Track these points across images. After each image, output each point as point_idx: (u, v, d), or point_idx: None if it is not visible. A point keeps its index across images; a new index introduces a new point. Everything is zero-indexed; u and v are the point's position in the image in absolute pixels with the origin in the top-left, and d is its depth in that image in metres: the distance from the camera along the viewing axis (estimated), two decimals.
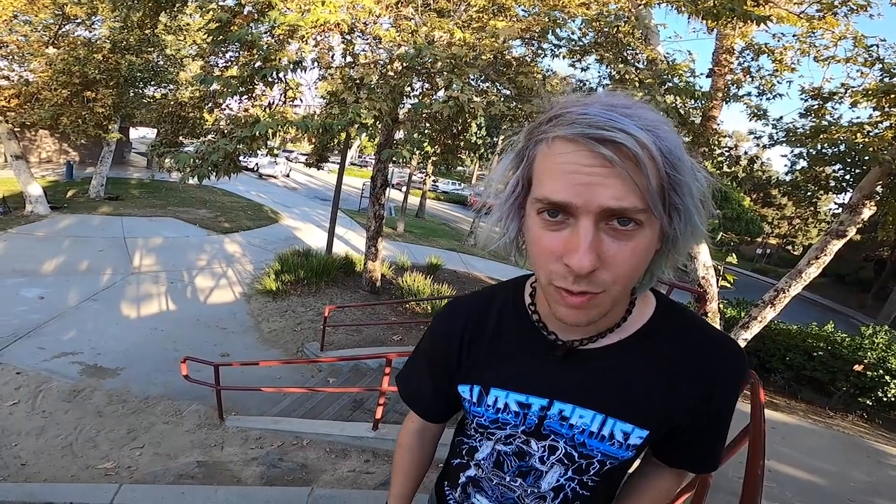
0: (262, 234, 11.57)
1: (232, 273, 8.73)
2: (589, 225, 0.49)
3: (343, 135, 7.32)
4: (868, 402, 5.27)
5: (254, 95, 5.37)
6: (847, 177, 6.08)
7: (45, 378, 4.76)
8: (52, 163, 15.99)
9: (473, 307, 0.78)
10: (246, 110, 5.40)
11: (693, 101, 5.09)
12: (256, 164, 22.48)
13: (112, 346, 5.68)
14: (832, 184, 6.30)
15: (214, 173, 5.04)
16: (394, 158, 5.50)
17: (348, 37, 5.13)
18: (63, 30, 9.14)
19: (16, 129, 9.99)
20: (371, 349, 6.08)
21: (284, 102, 5.58)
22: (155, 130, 11.04)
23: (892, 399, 5.10)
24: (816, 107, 5.60)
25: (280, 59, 4.48)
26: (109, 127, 10.07)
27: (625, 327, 0.67)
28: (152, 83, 11.10)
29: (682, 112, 5.07)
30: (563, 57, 5.95)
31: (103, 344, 5.68)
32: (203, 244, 9.95)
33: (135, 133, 19.21)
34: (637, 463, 0.81)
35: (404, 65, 4.79)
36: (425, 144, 6.86)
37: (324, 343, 6.00)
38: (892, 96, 4.65)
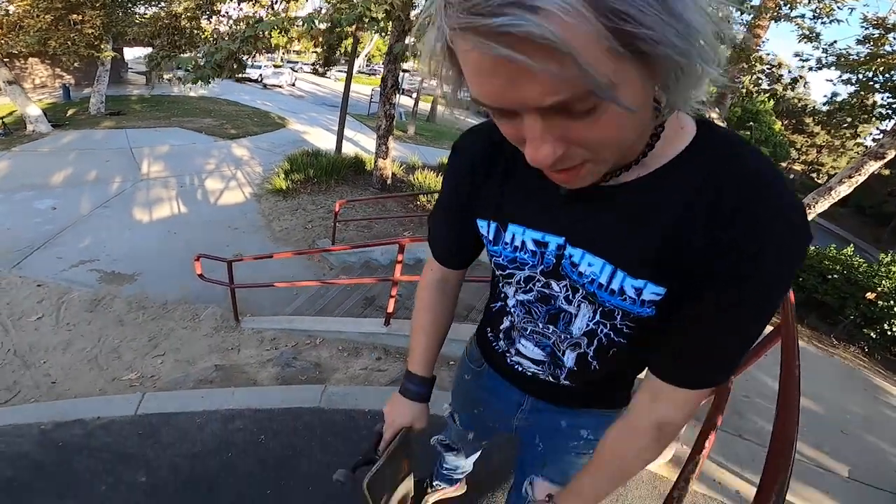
0: (269, 139, 11.13)
1: (241, 175, 8.46)
2: (534, 121, 0.42)
3: (350, 39, 6.71)
4: (872, 334, 5.06)
5: None
6: (895, 105, 6.01)
7: (66, 289, 4.75)
8: (46, 87, 15.18)
9: (494, 131, 0.63)
10: (247, 15, 5.10)
11: (739, 14, 4.82)
12: (261, 74, 21.66)
13: (127, 251, 5.61)
14: (878, 112, 6.28)
15: (217, 75, 4.78)
16: (406, 53, 4.99)
17: None
18: None
19: (4, 59, 9.63)
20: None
21: (288, 1, 5.18)
22: (150, 49, 10.35)
23: None
24: (877, 35, 5.39)
25: None
26: (102, 46, 9.69)
27: (647, 163, 0.55)
28: (141, 1, 10.35)
29: None
30: None
31: (119, 250, 5.62)
32: (210, 150, 9.59)
33: (130, 54, 18.33)
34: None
35: None
36: None
37: (335, 239, 5.83)
38: None
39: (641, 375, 0.76)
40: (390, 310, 3.39)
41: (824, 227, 18.11)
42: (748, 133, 17.42)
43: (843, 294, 5.56)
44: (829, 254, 6.05)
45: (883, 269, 5.51)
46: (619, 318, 0.66)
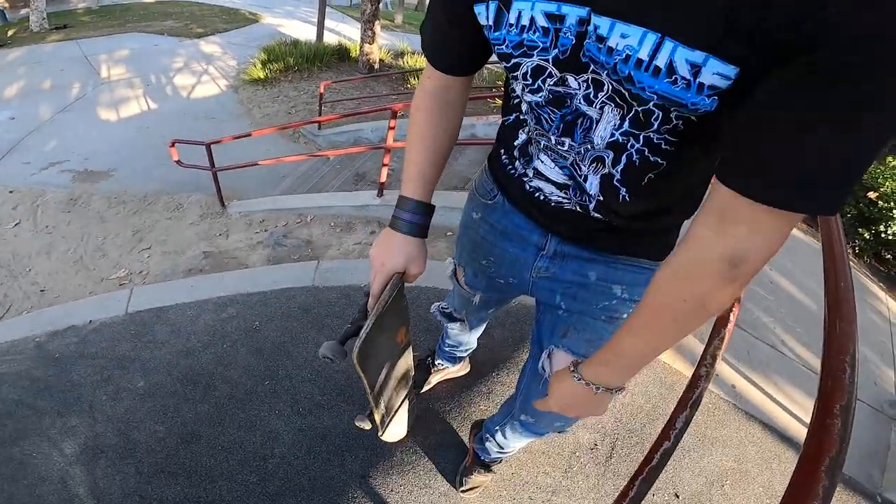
0: (242, 34, 10.05)
1: (214, 70, 7.70)
2: None
3: None
4: (867, 234, 4.79)
5: None
6: None
7: (39, 191, 4.44)
8: None
9: None
10: None
11: None
12: None
13: (98, 149, 5.20)
14: None
15: None
16: None
17: None
18: None
19: None
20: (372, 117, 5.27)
21: None
22: None
23: (891, 237, 4.62)
24: None
25: None
26: None
27: None
28: None
29: None
30: None
31: (89, 149, 5.20)
32: (176, 49, 8.62)
33: None
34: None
35: None
36: None
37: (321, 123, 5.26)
38: None
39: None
40: (383, 180, 3.06)
41: None
42: None
43: None
44: None
45: (888, 171, 5.16)
46: (657, 123, 0.51)
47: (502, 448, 1.23)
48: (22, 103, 6.39)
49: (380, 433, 0.91)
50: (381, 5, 7.12)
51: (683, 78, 0.44)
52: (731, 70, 0.41)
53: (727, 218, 0.45)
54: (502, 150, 0.73)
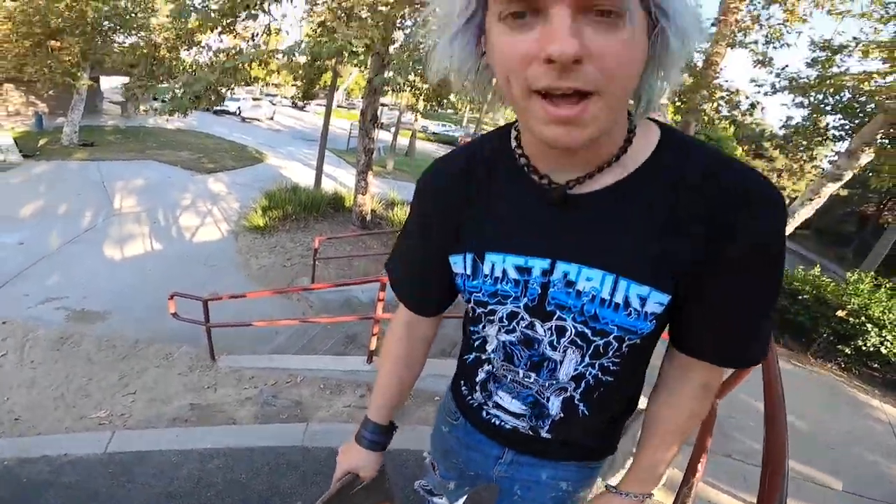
0: (246, 174, 11.01)
1: (217, 211, 8.29)
2: (564, 16, 0.39)
3: (330, 73, 6.89)
4: (847, 350, 5.15)
5: (235, 31, 4.97)
6: (847, 126, 6.11)
7: (32, 327, 4.51)
8: (20, 115, 14.60)
9: (458, 160, 0.65)
10: (227, 47, 5.10)
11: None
12: (239, 107, 21.26)
13: (98, 288, 5.38)
14: (831, 133, 6.34)
15: (195, 106, 4.77)
16: (386, 86, 5.10)
17: None
18: None
19: None
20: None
21: (269, 34, 5.24)
22: (128, 79, 10.14)
23: (871, 349, 4.96)
24: (825, 58, 5.46)
25: None
26: (78, 74, 9.44)
27: (624, 163, 0.54)
28: (121, 30, 10.15)
29: None
30: None
31: (89, 287, 5.38)
32: (186, 184, 9.39)
33: (107, 84, 17.89)
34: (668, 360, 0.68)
35: None
36: (419, 69, 6.55)
37: (314, 277, 5.75)
38: None
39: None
40: (372, 347, 3.37)
41: (791, 249, 18.52)
42: None
43: (814, 314, 5.63)
44: (797, 276, 6.18)
45: (851, 288, 5.57)
46: (611, 352, 0.61)
47: None
48: (35, 226, 6.70)
49: None
50: (373, 155, 7.82)
51: (636, 310, 0.55)
52: (665, 298, 0.55)
53: (692, 369, 0.64)
54: (462, 382, 0.82)
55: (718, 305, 0.57)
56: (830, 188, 5.21)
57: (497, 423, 0.79)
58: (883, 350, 4.91)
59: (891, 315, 5.06)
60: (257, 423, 3.07)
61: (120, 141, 12.70)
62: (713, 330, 0.59)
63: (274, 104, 25.59)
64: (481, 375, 0.76)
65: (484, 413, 0.80)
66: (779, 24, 5.70)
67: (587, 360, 0.63)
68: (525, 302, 0.61)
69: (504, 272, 0.61)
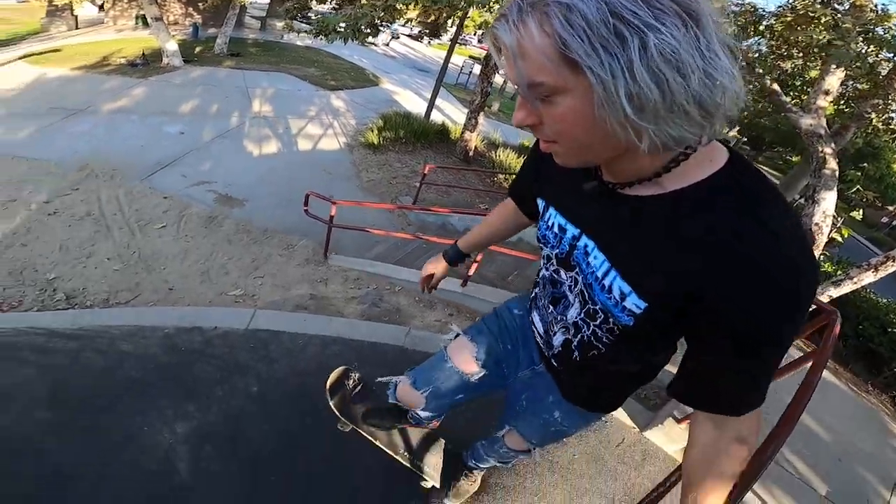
0: (364, 94, 11.09)
1: (337, 125, 8.50)
2: (521, 92, 0.51)
3: (460, 13, 6.58)
4: None
5: None
6: None
7: (187, 203, 4.97)
8: (178, 25, 15.81)
9: None
10: None
11: (890, 53, 4.30)
12: None
13: (239, 179, 5.81)
14: None
15: (355, 38, 4.94)
16: None
17: None
18: None
19: None
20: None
21: None
22: None
23: None
24: None
25: None
26: None
27: (661, 182, 0.57)
28: None
29: (871, 62, 4.33)
30: None
31: (231, 176, 5.83)
32: (312, 98, 9.71)
33: None
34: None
35: None
36: None
37: (417, 198, 5.75)
38: None
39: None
40: (470, 273, 3.34)
41: None
42: (861, 169, 15.30)
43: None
44: (891, 306, 5.75)
45: None
46: (600, 320, 0.70)
47: (479, 464, 1.50)
48: (192, 121, 7.37)
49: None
50: (488, 97, 7.70)
51: (616, 299, 0.63)
52: (642, 304, 0.60)
53: (719, 425, 0.63)
54: (532, 289, 0.97)
55: (696, 352, 0.61)
56: None
57: (532, 332, 0.98)
58: None
59: None
60: (363, 320, 3.20)
61: (259, 53, 13.34)
62: (691, 375, 0.63)
63: (393, 35, 25.17)
64: (534, 292, 0.95)
65: (531, 318, 0.97)
66: None
67: (584, 316, 0.73)
68: (557, 252, 0.75)
69: (552, 224, 0.75)
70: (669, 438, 2.18)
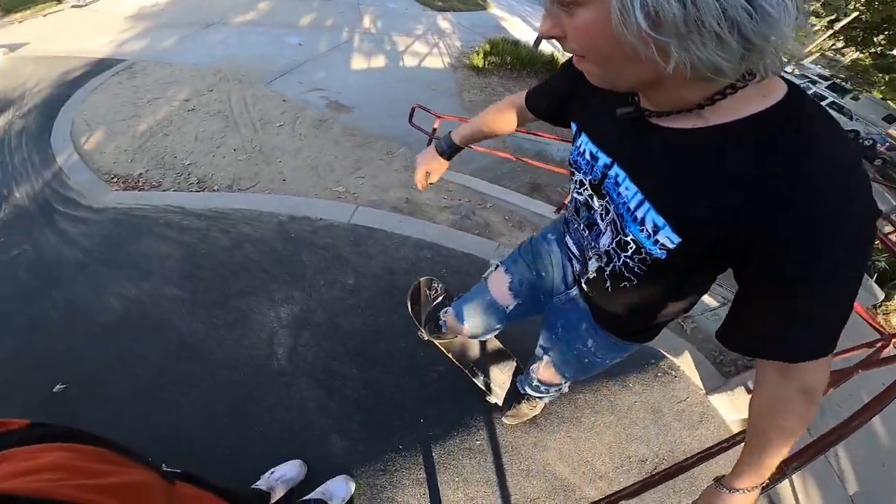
0: (471, 17, 10.57)
1: (442, 46, 8.30)
2: (547, 2, 0.51)
3: None
4: None
5: None
6: None
7: (302, 106, 5.31)
8: None
9: None
10: None
11: None
12: None
13: (348, 88, 6.02)
14: None
15: None
16: None
17: None
18: None
19: None
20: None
21: None
22: None
23: None
24: None
25: None
26: None
27: (705, 115, 0.53)
28: None
29: None
30: None
31: (342, 85, 6.05)
32: (420, 17, 9.50)
33: None
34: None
35: None
36: None
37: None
38: None
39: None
40: (566, 200, 3.20)
41: None
42: None
43: None
44: None
45: None
46: (631, 251, 0.68)
47: (527, 391, 1.48)
48: (309, 34, 7.63)
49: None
50: None
51: (649, 231, 0.62)
52: (676, 239, 0.59)
53: (784, 373, 0.59)
54: (566, 212, 0.97)
55: (748, 293, 0.57)
56: None
57: (570, 257, 0.96)
58: None
59: None
60: (455, 229, 3.25)
61: None
62: (741, 318, 0.60)
63: None
64: (566, 216, 0.94)
65: (566, 241, 0.96)
66: None
67: (615, 246, 0.72)
68: (590, 178, 0.74)
69: (584, 150, 0.74)
70: (734, 406, 2.02)
